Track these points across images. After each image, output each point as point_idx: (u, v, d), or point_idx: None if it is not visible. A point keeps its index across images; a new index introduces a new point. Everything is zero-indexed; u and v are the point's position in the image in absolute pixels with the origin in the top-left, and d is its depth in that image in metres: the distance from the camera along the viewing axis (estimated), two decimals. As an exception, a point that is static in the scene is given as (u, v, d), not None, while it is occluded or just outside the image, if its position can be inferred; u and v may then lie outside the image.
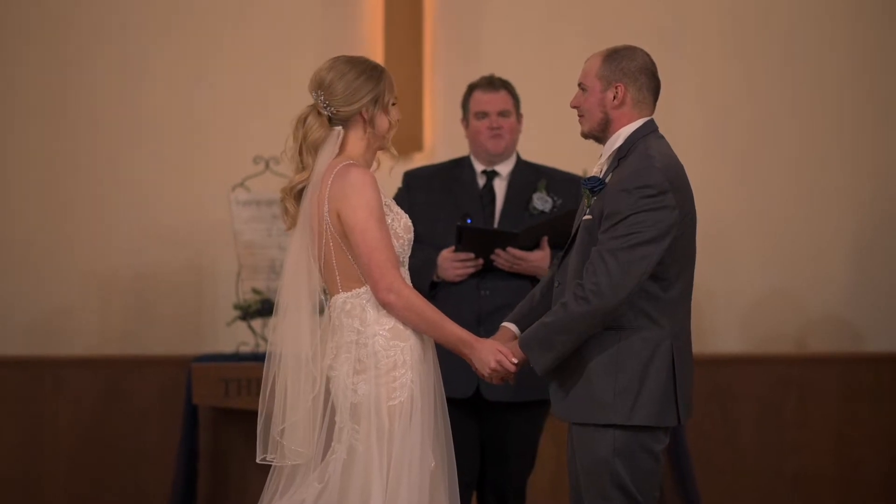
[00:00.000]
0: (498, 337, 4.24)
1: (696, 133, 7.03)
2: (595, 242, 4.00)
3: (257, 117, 6.82)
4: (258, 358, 6.08)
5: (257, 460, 4.02)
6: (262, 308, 6.17)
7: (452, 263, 5.02)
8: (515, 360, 4.05)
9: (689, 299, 4.15)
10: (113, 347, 6.81)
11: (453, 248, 5.02)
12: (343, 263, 4.01)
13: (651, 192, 3.93)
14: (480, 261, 5.01)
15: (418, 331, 4.01)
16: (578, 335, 3.97)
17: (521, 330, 4.22)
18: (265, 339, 6.25)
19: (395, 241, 4.03)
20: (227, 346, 6.49)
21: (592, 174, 4.13)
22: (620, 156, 4.07)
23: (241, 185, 6.32)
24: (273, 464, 4.02)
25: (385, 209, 4.02)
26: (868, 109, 7.08)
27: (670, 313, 4.05)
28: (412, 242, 4.11)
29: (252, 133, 6.75)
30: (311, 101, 4.11)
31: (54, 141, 6.85)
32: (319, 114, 4.05)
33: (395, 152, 4.16)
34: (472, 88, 5.24)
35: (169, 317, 6.83)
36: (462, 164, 5.25)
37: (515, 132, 5.21)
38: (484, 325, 4.84)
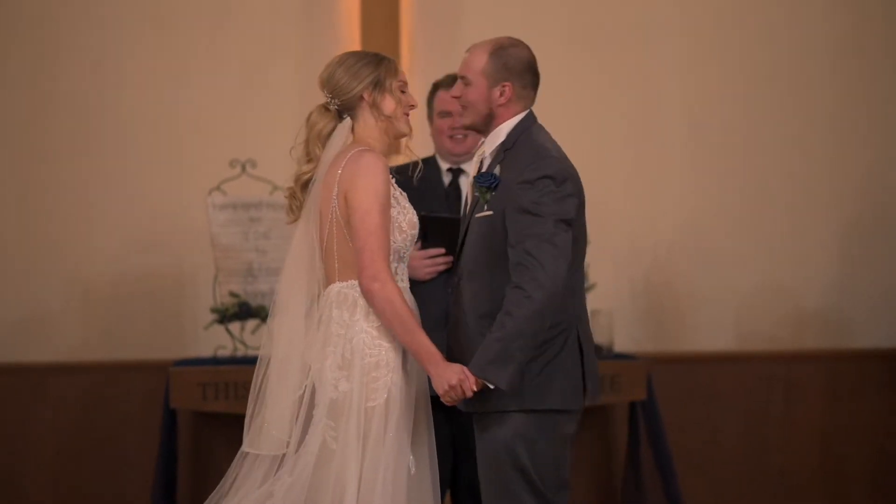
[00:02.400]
0: None
1: (679, 132, 7.04)
2: (499, 237, 4.00)
3: (234, 121, 6.83)
4: (236, 361, 6.12)
5: (246, 449, 4.01)
6: (240, 311, 6.16)
7: (422, 262, 5.01)
8: (476, 389, 3.97)
9: (584, 282, 4.18)
10: (94, 353, 6.81)
11: (419, 245, 5.02)
12: (344, 251, 4.00)
13: (554, 183, 3.96)
14: (450, 258, 5.01)
15: (390, 330, 3.96)
16: (533, 336, 3.94)
17: None
18: (243, 343, 6.25)
19: (398, 235, 4.03)
20: (208, 350, 6.48)
21: (476, 171, 4.15)
22: (506, 148, 4.09)
23: (218, 188, 6.32)
24: (259, 452, 4.00)
25: (392, 201, 4.03)
26: (855, 110, 7.07)
27: (573, 297, 4.07)
28: (415, 239, 4.11)
29: (229, 136, 6.76)
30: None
31: (33, 147, 6.86)
32: (327, 109, 4.08)
33: (402, 131, 4.13)
34: (436, 87, 5.26)
35: (150, 321, 6.83)
36: (427, 163, 5.25)
37: None
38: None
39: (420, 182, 5.20)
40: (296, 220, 4.08)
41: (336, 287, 4.01)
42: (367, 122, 4.09)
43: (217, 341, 6.36)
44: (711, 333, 7.04)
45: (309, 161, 4.06)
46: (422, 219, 4.98)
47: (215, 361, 6.20)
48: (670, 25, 7.03)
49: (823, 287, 7.06)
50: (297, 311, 4.03)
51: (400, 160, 6.71)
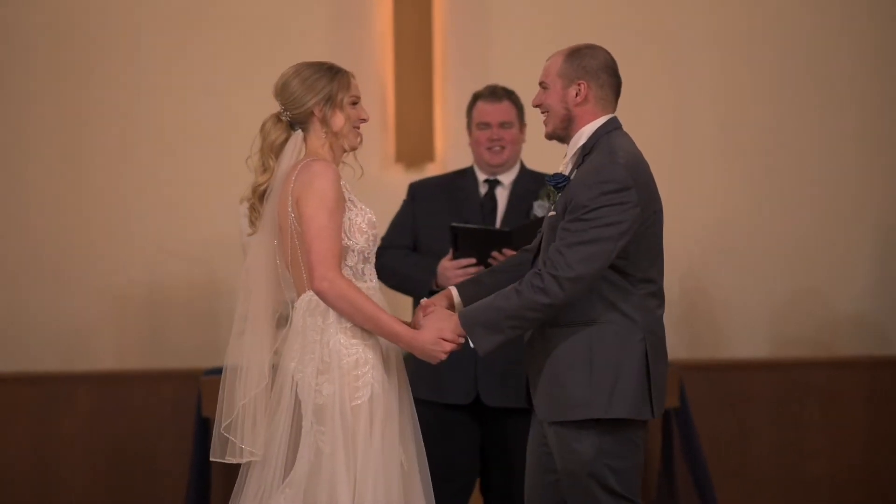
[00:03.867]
0: (436, 301, 4.23)
1: (711, 137, 7.01)
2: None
3: (267, 130, 6.84)
4: (268, 370, 6.12)
5: (211, 458, 4.05)
6: (272, 320, 6.17)
7: (454, 272, 5.02)
8: (462, 340, 4.04)
9: (662, 295, 4.15)
10: (128, 363, 6.83)
11: (451, 255, 5.03)
12: None
13: (613, 187, 3.95)
14: (481, 268, 5.01)
15: (354, 323, 3.98)
16: (530, 323, 4.01)
17: (461, 294, 4.24)
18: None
19: (359, 237, 4.04)
20: (241, 359, 6.50)
21: (557, 172, 4.15)
22: (585, 152, 4.09)
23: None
24: (226, 461, 4.05)
25: (349, 204, 4.03)
26: (888, 112, 7.03)
27: (642, 308, 4.06)
28: (377, 238, 4.11)
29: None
30: None
31: (68, 157, 6.89)
32: (279, 119, 4.09)
33: (351, 145, 4.10)
34: (475, 98, 5.26)
35: (184, 330, 6.85)
36: (465, 174, 5.27)
37: (517, 143, 5.21)
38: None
39: (456, 192, 5.23)
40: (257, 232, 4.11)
41: (307, 296, 4.03)
42: (317, 136, 4.08)
43: (249, 350, 6.37)
44: (745, 340, 7.01)
45: (264, 171, 4.07)
46: (452, 229, 5.00)
47: (248, 370, 6.20)
48: (702, 30, 7.01)
49: (859, 292, 7.02)
50: (258, 320, 4.07)
51: (432, 170, 6.76)
